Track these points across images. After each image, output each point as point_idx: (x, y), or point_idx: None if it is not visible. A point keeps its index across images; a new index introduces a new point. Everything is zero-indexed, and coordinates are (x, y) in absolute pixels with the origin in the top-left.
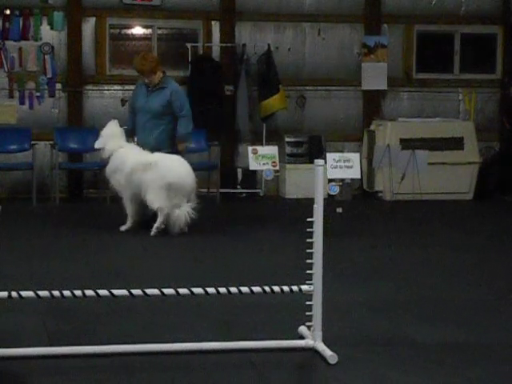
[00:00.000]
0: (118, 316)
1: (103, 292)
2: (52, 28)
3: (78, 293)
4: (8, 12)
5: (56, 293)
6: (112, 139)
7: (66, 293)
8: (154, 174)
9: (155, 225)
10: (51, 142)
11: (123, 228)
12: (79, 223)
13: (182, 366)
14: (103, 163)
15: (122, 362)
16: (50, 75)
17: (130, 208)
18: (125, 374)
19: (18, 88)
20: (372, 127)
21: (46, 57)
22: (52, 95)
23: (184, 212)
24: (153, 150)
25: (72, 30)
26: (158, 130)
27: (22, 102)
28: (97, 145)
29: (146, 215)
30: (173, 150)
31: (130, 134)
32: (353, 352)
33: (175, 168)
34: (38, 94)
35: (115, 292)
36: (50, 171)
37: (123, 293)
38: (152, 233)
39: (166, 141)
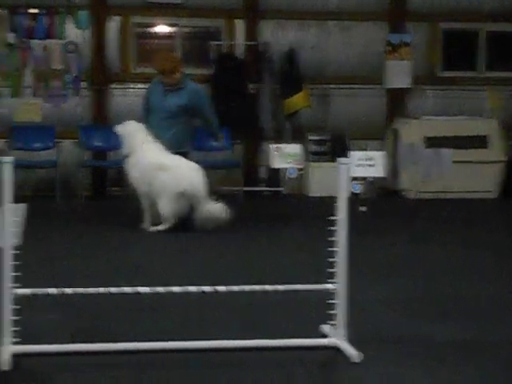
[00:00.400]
0: (141, 314)
1: (126, 289)
2: (77, 27)
3: (101, 290)
4: (34, 11)
5: (80, 290)
6: (131, 135)
7: (91, 290)
8: (167, 179)
9: (157, 227)
10: (76, 140)
11: (142, 227)
12: (103, 221)
13: (205, 363)
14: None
15: (144, 360)
16: (74, 73)
17: (146, 207)
18: (146, 371)
19: (43, 86)
20: (396, 125)
21: (71, 55)
22: (77, 93)
23: (218, 211)
24: (167, 149)
25: (97, 28)
26: (172, 129)
27: (47, 101)
28: (118, 130)
29: (183, 215)
30: (187, 150)
31: None
32: (375, 350)
33: (189, 177)
34: (63, 92)
35: (138, 289)
36: (74, 169)
37: (146, 290)
38: (151, 229)
39: (180, 141)
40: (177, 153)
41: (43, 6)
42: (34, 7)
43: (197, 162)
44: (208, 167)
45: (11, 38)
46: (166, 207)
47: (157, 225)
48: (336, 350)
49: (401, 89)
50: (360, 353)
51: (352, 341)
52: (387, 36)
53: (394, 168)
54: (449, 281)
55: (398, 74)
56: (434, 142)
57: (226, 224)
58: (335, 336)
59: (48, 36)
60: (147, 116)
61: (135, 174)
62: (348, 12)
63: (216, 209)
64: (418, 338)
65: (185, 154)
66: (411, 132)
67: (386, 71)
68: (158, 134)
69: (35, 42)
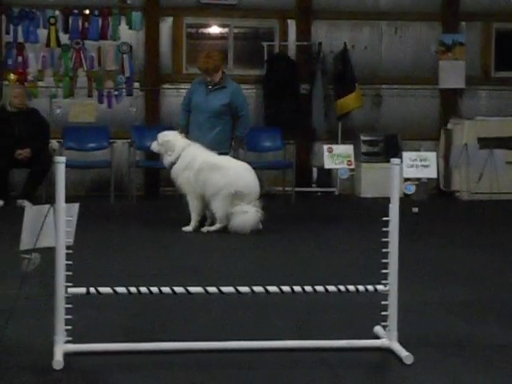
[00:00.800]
0: (193, 313)
1: (179, 289)
2: (130, 28)
3: (154, 289)
4: (87, 12)
5: (133, 289)
6: (176, 141)
7: (143, 289)
8: (221, 179)
9: (212, 227)
10: (129, 141)
11: (187, 229)
12: (155, 221)
13: (257, 363)
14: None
15: (198, 359)
16: (127, 74)
17: (195, 207)
18: (200, 371)
19: (97, 87)
20: (449, 126)
21: (124, 56)
22: (130, 94)
23: (252, 215)
24: (209, 149)
25: (150, 29)
26: (215, 129)
27: (100, 101)
28: (153, 147)
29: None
30: (228, 151)
31: (183, 131)
32: (428, 352)
33: (243, 177)
34: (116, 92)
35: (191, 289)
36: (127, 169)
37: (199, 290)
38: (203, 229)
39: (223, 141)
40: (220, 153)
41: (97, 7)
42: (88, 8)
43: (248, 163)
44: (260, 168)
45: (65, 39)
46: (220, 208)
47: (210, 225)
48: (388, 351)
49: (454, 89)
50: (411, 354)
51: (406, 343)
52: (440, 36)
53: (446, 169)
54: (505, 284)
55: (452, 75)
56: (487, 143)
57: (277, 225)
58: (387, 337)
59: (102, 37)
60: (186, 116)
61: (188, 176)
62: (401, 12)
63: (250, 216)
64: (470, 341)
65: (226, 155)
66: (464, 133)
67: (439, 71)
68: (200, 134)
69: (89, 43)
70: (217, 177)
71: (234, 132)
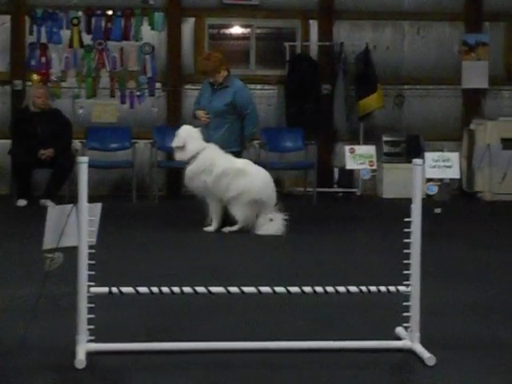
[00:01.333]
0: (215, 313)
1: (200, 289)
2: (152, 28)
3: (176, 289)
4: (110, 13)
5: (155, 289)
6: (193, 140)
7: (165, 289)
8: (243, 185)
9: (233, 227)
10: (151, 141)
11: (208, 229)
12: (177, 221)
13: (279, 364)
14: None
15: (219, 359)
16: (149, 75)
17: (215, 209)
18: (221, 371)
19: (119, 87)
20: (472, 126)
21: (147, 57)
22: (152, 94)
23: (278, 222)
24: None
25: (172, 30)
26: (221, 129)
27: (122, 101)
28: (175, 143)
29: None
30: (239, 150)
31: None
32: (451, 354)
33: (265, 185)
34: (138, 93)
35: (212, 289)
36: (149, 169)
37: (220, 290)
38: (224, 229)
39: (230, 140)
40: (228, 152)
41: (120, 8)
42: (110, 9)
43: (264, 166)
44: (282, 168)
45: (88, 39)
46: (241, 211)
47: (231, 225)
48: (410, 352)
49: (477, 89)
50: (434, 356)
51: (428, 344)
52: (463, 36)
53: (469, 169)
54: None
55: (475, 75)
56: (510, 144)
57: (298, 225)
58: (409, 338)
59: (124, 38)
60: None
61: (203, 181)
62: (423, 12)
63: (277, 223)
64: (492, 343)
65: (236, 154)
66: (487, 133)
67: (462, 72)
68: (207, 133)
69: (112, 44)
70: (239, 183)
71: (244, 131)
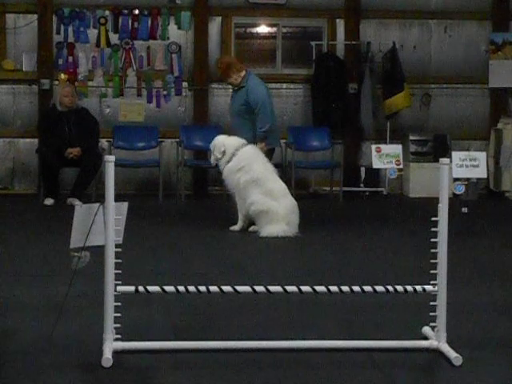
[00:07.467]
0: (241, 312)
1: (227, 288)
2: (179, 27)
3: (202, 288)
4: (137, 12)
5: (181, 288)
6: (230, 140)
7: (191, 288)
8: (268, 204)
9: (254, 227)
10: (177, 140)
11: (234, 228)
12: (204, 220)
13: (304, 363)
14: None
15: (246, 358)
16: (176, 74)
17: (242, 207)
18: (247, 370)
19: (146, 86)
20: (499, 126)
21: (173, 56)
22: (178, 94)
23: (280, 228)
24: None
25: (198, 29)
26: (243, 129)
27: (149, 101)
28: (214, 156)
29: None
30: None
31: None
32: (478, 354)
33: (286, 215)
34: (164, 92)
35: (238, 288)
36: (175, 168)
37: (246, 289)
38: (250, 229)
39: (252, 140)
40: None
41: (146, 7)
42: (137, 8)
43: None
44: (308, 167)
45: (115, 38)
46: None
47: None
48: (437, 352)
49: (504, 88)
50: (460, 356)
51: (455, 344)
52: (490, 35)
53: (496, 169)
54: None
55: (502, 74)
56: None
57: (324, 224)
58: (436, 338)
59: (151, 37)
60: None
61: (237, 178)
62: (450, 11)
63: (279, 228)
64: None
65: (269, 151)
66: None
67: (490, 71)
68: (234, 134)
69: (138, 43)
70: (266, 200)
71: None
